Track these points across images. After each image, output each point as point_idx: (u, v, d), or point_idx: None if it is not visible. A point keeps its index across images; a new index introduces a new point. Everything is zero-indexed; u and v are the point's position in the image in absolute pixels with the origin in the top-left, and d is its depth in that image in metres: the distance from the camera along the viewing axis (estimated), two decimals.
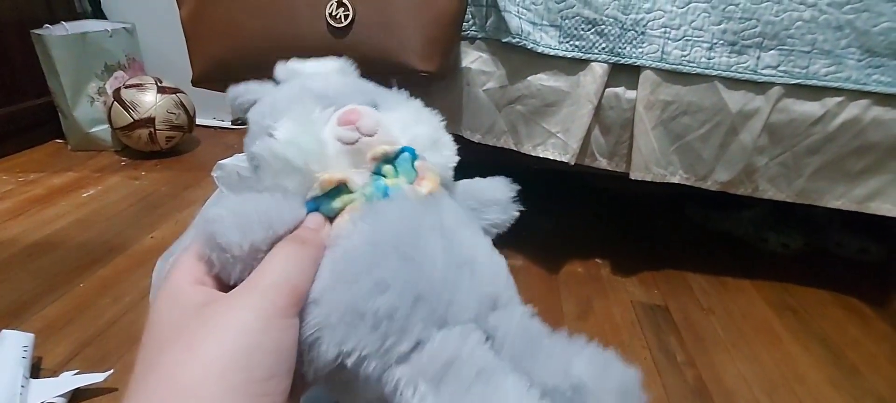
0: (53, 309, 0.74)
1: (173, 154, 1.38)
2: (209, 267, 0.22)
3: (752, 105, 0.67)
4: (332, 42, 0.63)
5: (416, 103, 0.30)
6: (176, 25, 0.68)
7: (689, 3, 0.65)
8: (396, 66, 0.63)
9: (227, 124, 1.59)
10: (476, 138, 0.77)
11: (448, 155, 0.29)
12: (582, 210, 1.12)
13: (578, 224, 1.05)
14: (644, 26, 0.66)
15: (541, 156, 0.74)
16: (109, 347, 0.66)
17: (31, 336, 0.61)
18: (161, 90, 1.32)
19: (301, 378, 0.23)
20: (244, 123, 0.29)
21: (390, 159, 0.27)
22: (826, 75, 0.64)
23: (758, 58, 0.65)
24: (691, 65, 0.66)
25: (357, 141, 0.26)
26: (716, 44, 0.65)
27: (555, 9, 0.67)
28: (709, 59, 0.66)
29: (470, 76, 0.73)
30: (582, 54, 0.68)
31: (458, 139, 0.76)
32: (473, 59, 0.72)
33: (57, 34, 1.28)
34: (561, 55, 0.69)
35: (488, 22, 0.70)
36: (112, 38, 1.39)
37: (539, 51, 0.68)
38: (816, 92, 0.65)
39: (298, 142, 0.25)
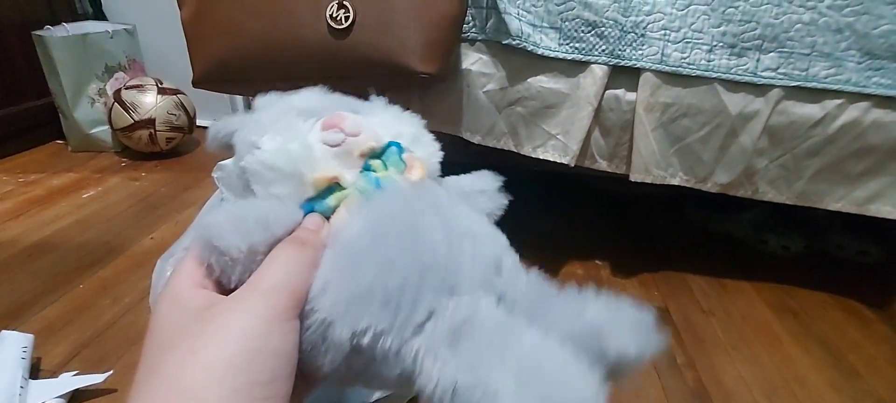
0: (53, 310, 0.74)
1: (173, 155, 1.38)
2: (209, 271, 0.23)
3: (752, 107, 0.67)
4: (332, 43, 0.63)
5: (396, 108, 0.31)
6: (176, 26, 0.68)
7: (689, 5, 0.65)
8: (397, 67, 0.63)
9: None
10: (476, 140, 0.77)
11: (432, 150, 0.30)
12: (582, 211, 1.12)
13: (578, 225, 1.05)
14: (644, 28, 0.66)
15: (541, 157, 0.74)
16: (109, 348, 0.66)
17: (30, 336, 0.61)
18: (161, 91, 1.32)
19: (305, 380, 0.23)
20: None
21: (378, 154, 0.27)
22: (826, 77, 0.64)
23: (757, 60, 0.65)
24: (691, 67, 0.66)
25: (343, 142, 0.26)
26: (716, 46, 0.66)
27: (555, 11, 0.67)
28: (708, 61, 0.66)
29: (470, 78, 0.73)
30: (582, 56, 0.68)
31: (458, 140, 0.77)
32: (474, 60, 0.72)
33: (58, 35, 1.29)
34: (561, 57, 0.69)
35: (488, 24, 0.70)
36: (113, 39, 1.40)
37: (539, 53, 0.68)
38: (816, 94, 0.65)
39: (286, 149, 0.25)
